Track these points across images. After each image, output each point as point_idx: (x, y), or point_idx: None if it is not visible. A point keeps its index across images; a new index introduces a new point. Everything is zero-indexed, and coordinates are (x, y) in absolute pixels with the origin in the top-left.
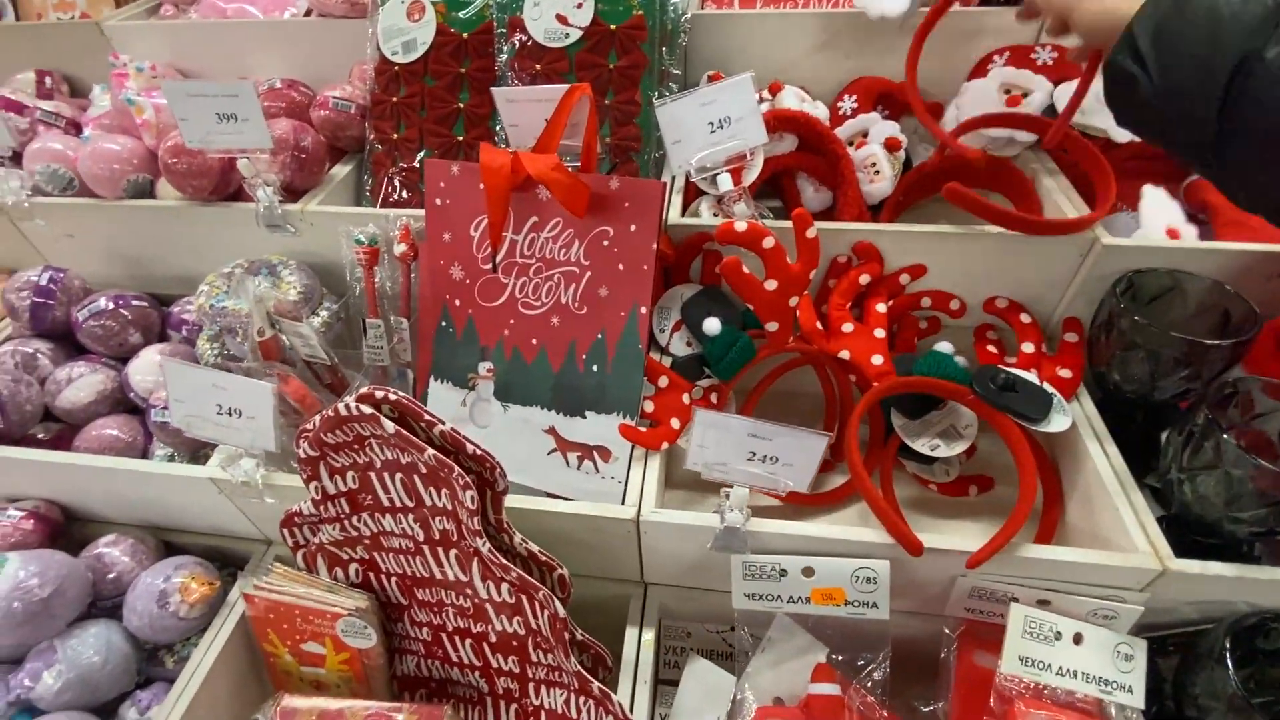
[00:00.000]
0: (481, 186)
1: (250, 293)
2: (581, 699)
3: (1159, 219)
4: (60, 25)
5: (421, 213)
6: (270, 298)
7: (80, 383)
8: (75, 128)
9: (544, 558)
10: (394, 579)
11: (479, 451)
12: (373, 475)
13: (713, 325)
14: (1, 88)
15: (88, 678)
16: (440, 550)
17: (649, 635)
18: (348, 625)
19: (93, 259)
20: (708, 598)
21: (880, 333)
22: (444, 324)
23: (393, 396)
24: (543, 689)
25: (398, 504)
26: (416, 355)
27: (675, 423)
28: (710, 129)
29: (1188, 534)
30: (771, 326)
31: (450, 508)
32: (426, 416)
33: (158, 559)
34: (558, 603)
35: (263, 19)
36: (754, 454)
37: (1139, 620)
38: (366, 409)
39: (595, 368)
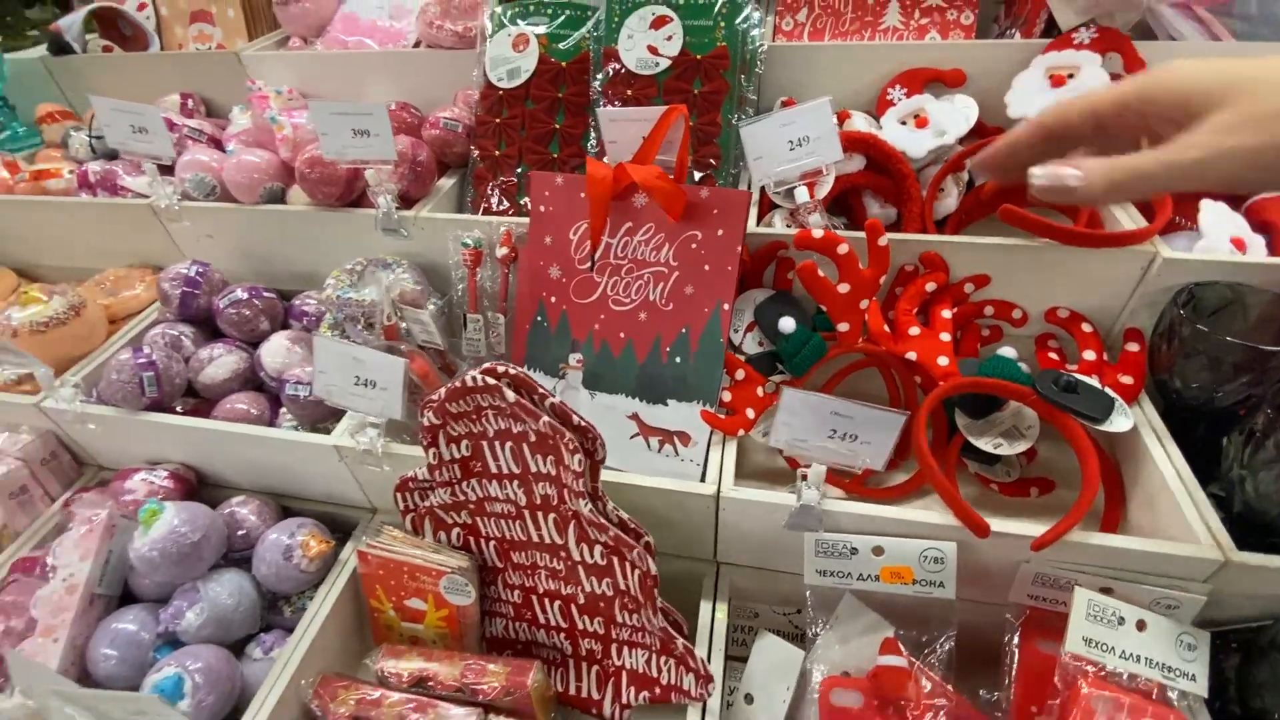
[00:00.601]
0: (583, 195)
1: (382, 283)
2: (662, 659)
3: (1222, 230)
4: (203, 55)
5: (521, 220)
6: (397, 286)
7: (219, 362)
8: (215, 143)
9: (632, 525)
10: (492, 543)
11: (583, 423)
12: (484, 444)
13: (788, 324)
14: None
15: (223, 617)
16: (540, 514)
17: (721, 611)
18: (450, 583)
19: (227, 256)
20: (776, 579)
21: (946, 336)
22: (539, 319)
23: (512, 371)
24: (624, 650)
25: (505, 471)
26: (511, 347)
27: (750, 413)
28: (790, 147)
29: (1250, 534)
30: (843, 327)
31: (554, 473)
32: (540, 390)
33: (278, 520)
34: (650, 560)
35: (379, 50)
36: (835, 431)
37: (1201, 614)
38: (490, 380)
39: (678, 359)
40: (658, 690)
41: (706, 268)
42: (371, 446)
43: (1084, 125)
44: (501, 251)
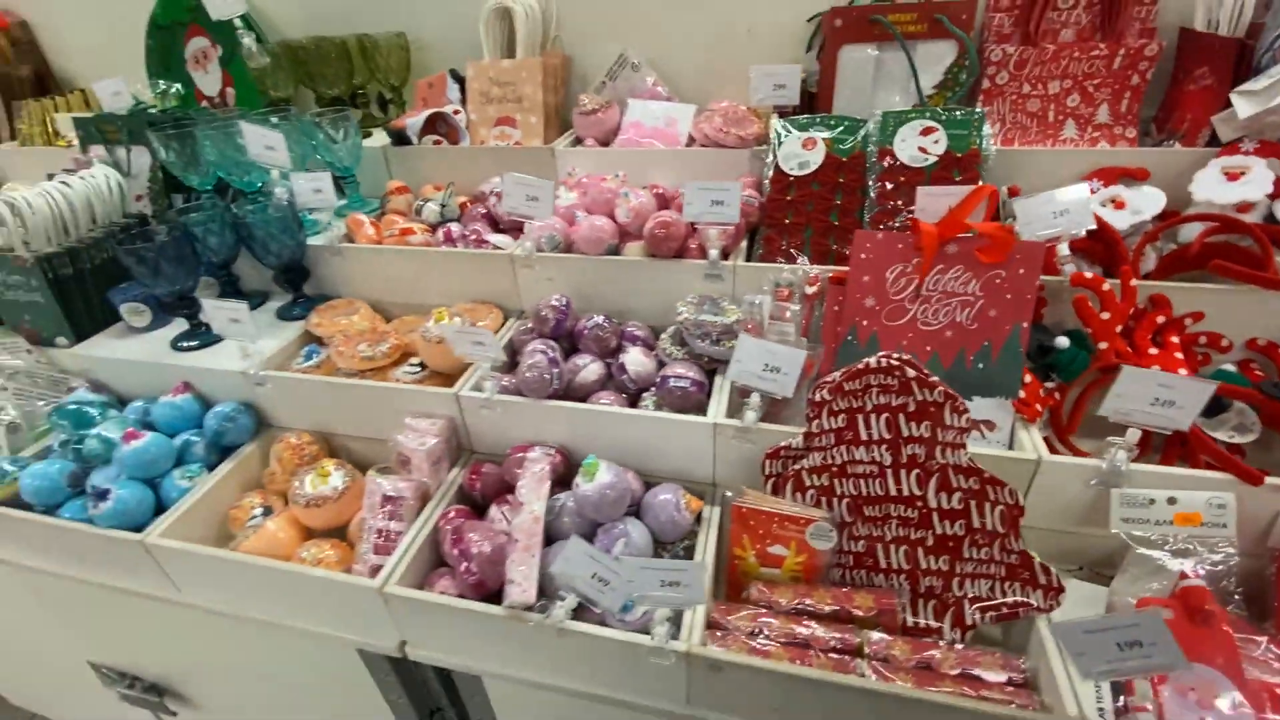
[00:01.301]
0: (900, 246)
1: (760, 303)
2: (1006, 584)
3: None
4: (524, 149)
5: (817, 268)
6: (757, 312)
7: (589, 369)
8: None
9: (987, 474)
10: (845, 500)
11: (950, 392)
12: (859, 416)
13: (1063, 341)
14: (483, 186)
15: (637, 553)
16: (903, 471)
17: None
18: (817, 529)
19: (566, 293)
20: (1062, 539)
21: (1179, 355)
22: (850, 338)
23: (905, 356)
24: (967, 581)
25: (875, 438)
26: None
27: (1038, 406)
28: (1053, 216)
29: None
30: (1102, 345)
31: (928, 436)
32: (923, 371)
33: (646, 489)
34: (1017, 494)
35: (671, 149)
36: (1157, 400)
37: None
38: (893, 362)
39: (980, 365)
40: (1004, 610)
41: (1008, 296)
42: (749, 424)
43: None
44: (809, 290)
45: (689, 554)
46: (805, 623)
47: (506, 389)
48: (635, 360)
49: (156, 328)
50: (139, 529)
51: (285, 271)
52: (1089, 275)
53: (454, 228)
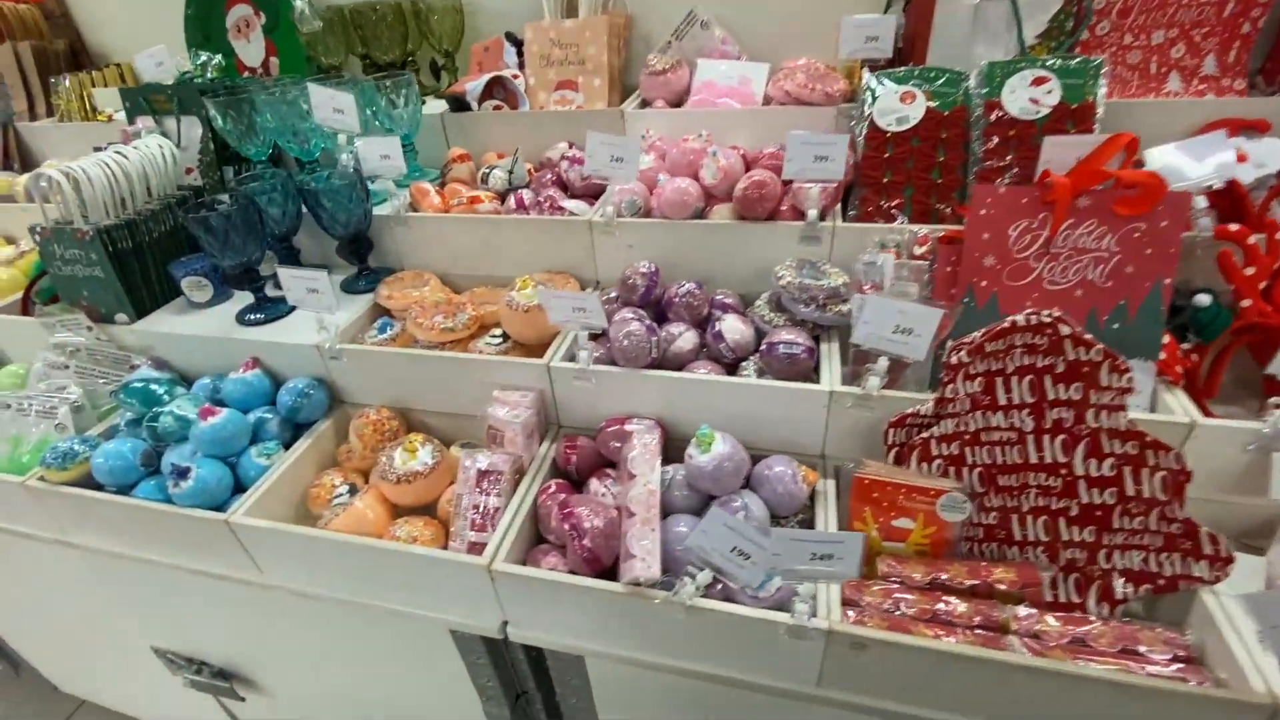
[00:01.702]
0: (1024, 201)
1: (880, 262)
2: (1165, 555)
3: None
4: (590, 112)
5: (926, 228)
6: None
7: (684, 337)
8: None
9: (1149, 438)
10: (977, 470)
11: (1109, 350)
12: (999, 380)
13: (1204, 299)
14: (549, 152)
15: (757, 526)
16: (1046, 437)
17: None
18: (949, 500)
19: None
20: (1208, 508)
21: None
22: (966, 300)
23: (1056, 313)
24: (1115, 554)
25: (1015, 402)
26: None
27: (1178, 368)
28: (1193, 165)
29: None
30: (1246, 302)
31: (1078, 398)
32: (1077, 329)
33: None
34: (1184, 458)
35: (750, 109)
36: None
37: None
38: (1045, 319)
39: (1115, 325)
40: (1161, 582)
41: (1148, 251)
42: (871, 390)
43: None
44: (919, 250)
45: (806, 527)
46: (943, 598)
47: (599, 359)
48: (733, 328)
49: (218, 302)
50: (219, 508)
51: (351, 243)
52: (1234, 226)
53: (525, 194)
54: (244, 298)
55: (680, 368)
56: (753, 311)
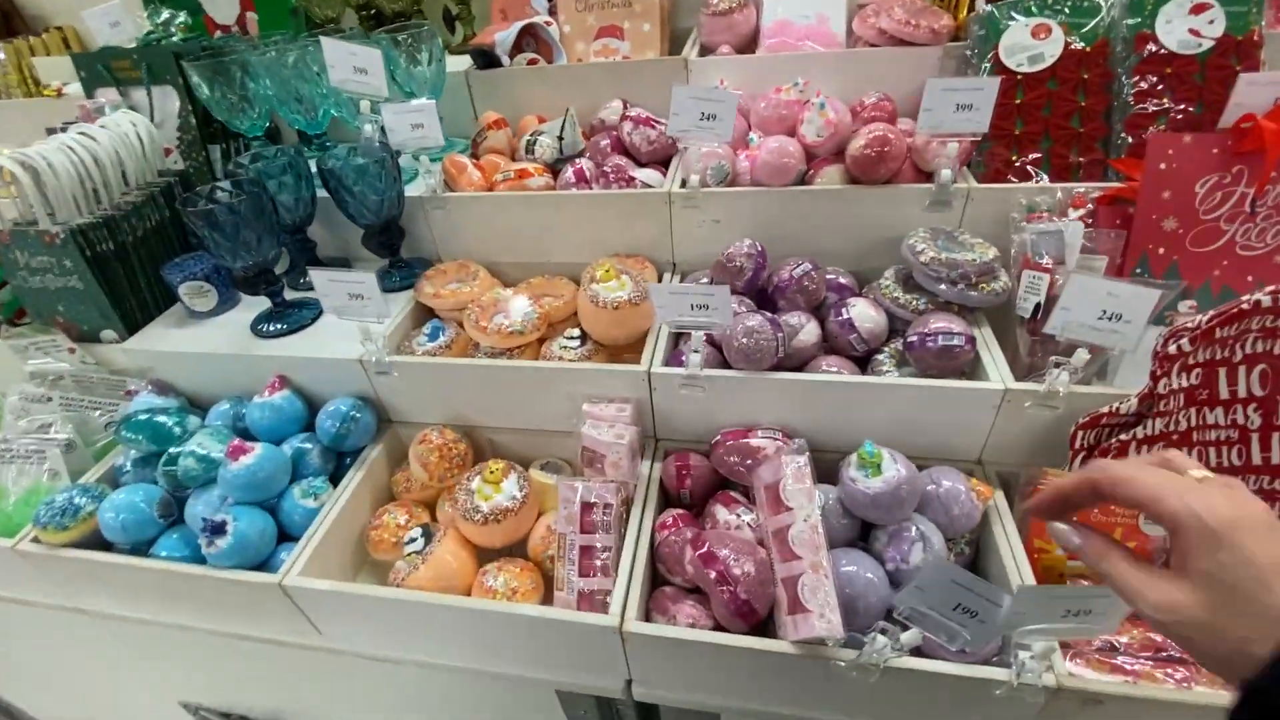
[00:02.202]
0: (1215, 151)
1: (1064, 229)
2: None
3: None
4: (644, 63)
5: (1080, 186)
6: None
7: (807, 329)
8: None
9: None
10: None
11: None
12: (1221, 370)
13: None
14: (601, 113)
15: (940, 556)
16: (1276, 435)
17: None
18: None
19: (732, 240)
20: None
21: None
22: (1138, 270)
23: None
24: None
25: (1239, 395)
26: None
27: None
28: None
29: None
30: None
31: None
32: None
33: None
34: None
35: (839, 51)
36: None
37: None
38: None
39: None
40: None
41: None
42: (1059, 388)
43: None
44: (1074, 213)
45: (973, 549)
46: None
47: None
48: (864, 315)
49: (224, 310)
50: (263, 564)
51: (381, 232)
52: None
53: (584, 165)
54: (254, 303)
55: (802, 365)
56: (877, 292)
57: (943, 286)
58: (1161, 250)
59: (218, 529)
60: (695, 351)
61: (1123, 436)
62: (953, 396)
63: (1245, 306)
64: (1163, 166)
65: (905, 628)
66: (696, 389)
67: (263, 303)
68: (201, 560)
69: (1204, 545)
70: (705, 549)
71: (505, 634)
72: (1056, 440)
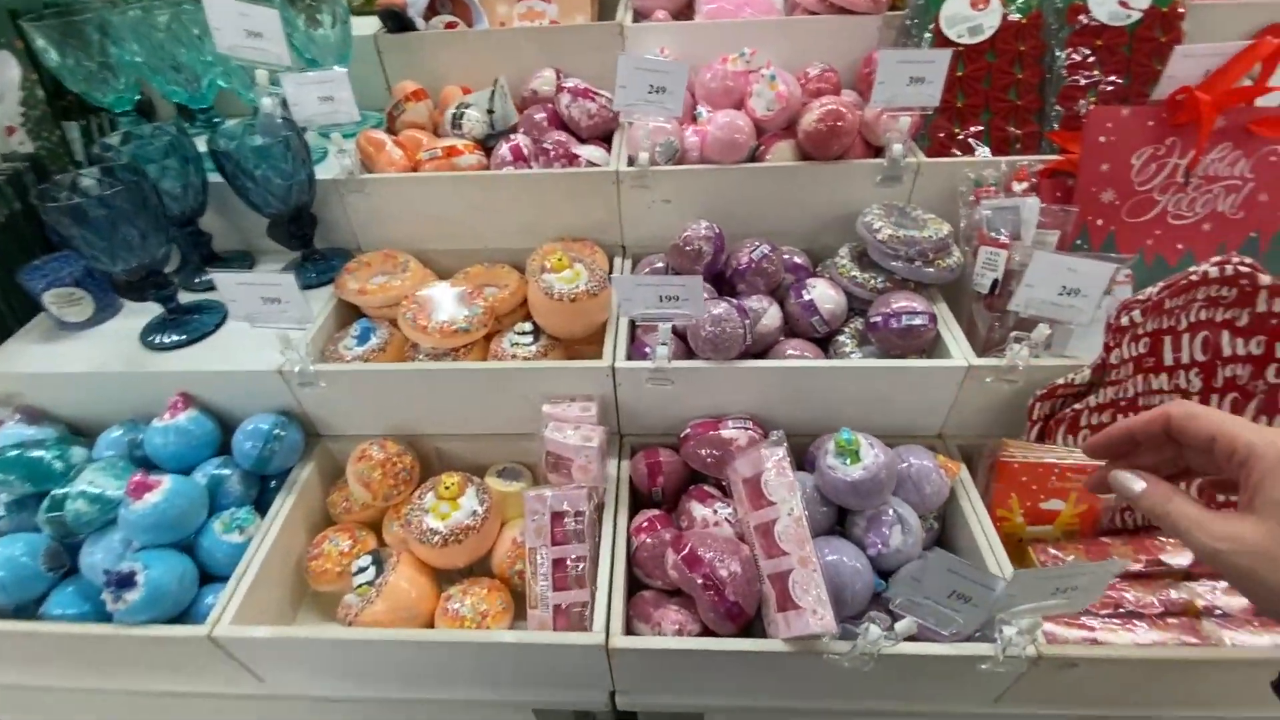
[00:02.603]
0: (1150, 123)
1: (1018, 206)
2: None
3: None
4: (576, 29)
5: (1023, 159)
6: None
7: (769, 313)
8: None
9: None
10: None
11: None
12: (1167, 339)
13: None
14: (533, 83)
15: (917, 537)
16: (1214, 397)
17: None
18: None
19: (681, 221)
20: None
21: None
22: (1079, 243)
23: (1250, 261)
24: None
25: (1183, 361)
26: None
27: None
28: None
29: None
30: None
31: (1259, 354)
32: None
33: None
34: None
35: (780, 19)
36: None
37: None
38: (1243, 268)
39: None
40: None
41: None
42: (1019, 363)
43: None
44: (1020, 186)
45: (941, 523)
46: (1115, 585)
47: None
48: (825, 296)
49: (103, 320)
50: (183, 614)
51: (291, 221)
52: None
53: (521, 141)
54: (140, 309)
55: (766, 350)
56: (834, 272)
57: (898, 264)
58: (1100, 222)
59: (125, 581)
60: (663, 344)
61: (1076, 406)
62: (919, 375)
63: (1194, 278)
64: (1102, 139)
65: (895, 615)
66: (665, 383)
67: (152, 309)
68: (108, 615)
69: (1276, 474)
70: (688, 551)
71: (480, 662)
72: (1014, 412)
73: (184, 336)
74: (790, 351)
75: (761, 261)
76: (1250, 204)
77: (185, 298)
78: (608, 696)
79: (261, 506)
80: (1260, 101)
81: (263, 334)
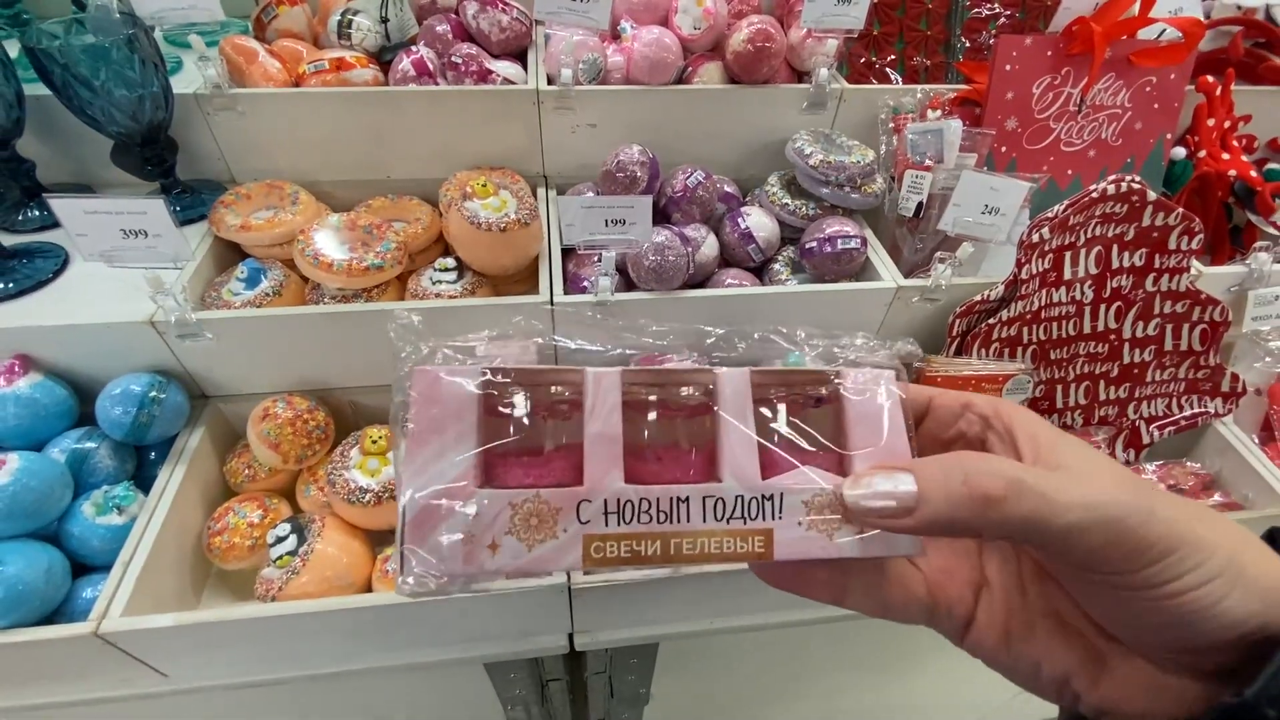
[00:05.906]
0: (1049, 53)
1: (942, 130)
2: (1184, 398)
3: None
4: None
5: (936, 88)
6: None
7: (709, 242)
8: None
9: (1204, 295)
10: (1031, 348)
11: (1188, 214)
12: (1067, 254)
13: (1180, 151)
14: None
15: None
16: (1103, 306)
17: None
18: (1015, 384)
19: (606, 148)
20: None
21: (1245, 158)
22: (985, 170)
23: (1137, 179)
24: (1143, 404)
25: (1079, 275)
26: None
27: None
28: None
29: None
30: (1202, 154)
31: (1140, 265)
32: (1158, 194)
33: None
34: (1229, 310)
35: None
36: None
37: None
38: (1135, 184)
39: None
40: (1182, 423)
41: (1155, 106)
42: (939, 281)
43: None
44: (934, 114)
45: None
46: None
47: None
48: (761, 224)
49: None
50: (55, 611)
51: (144, 144)
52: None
53: (425, 54)
54: None
55: (705, 280)
56: (764, 199)
57: (827, 190)
58: (1004, 149)
59: None
60: (606, 275)
61: (990, 321)
62: (853, 298)
63: (1095, 195)
64: (1008, 68)
65: None
66: (604, 316)
67: None
68: None
69: (1030, 417)
70: None
71: (430, 623)
72: (935, 329)
73: (12, 286)
74: (729, 281)
75: (697, 189)
76: (1128, 131)
77: (9, 241)
78: (566, 639)
79: (143, 482)
80: (1141, 34)
81: (122, 278)
